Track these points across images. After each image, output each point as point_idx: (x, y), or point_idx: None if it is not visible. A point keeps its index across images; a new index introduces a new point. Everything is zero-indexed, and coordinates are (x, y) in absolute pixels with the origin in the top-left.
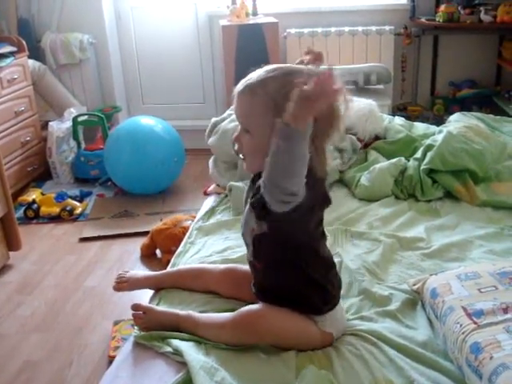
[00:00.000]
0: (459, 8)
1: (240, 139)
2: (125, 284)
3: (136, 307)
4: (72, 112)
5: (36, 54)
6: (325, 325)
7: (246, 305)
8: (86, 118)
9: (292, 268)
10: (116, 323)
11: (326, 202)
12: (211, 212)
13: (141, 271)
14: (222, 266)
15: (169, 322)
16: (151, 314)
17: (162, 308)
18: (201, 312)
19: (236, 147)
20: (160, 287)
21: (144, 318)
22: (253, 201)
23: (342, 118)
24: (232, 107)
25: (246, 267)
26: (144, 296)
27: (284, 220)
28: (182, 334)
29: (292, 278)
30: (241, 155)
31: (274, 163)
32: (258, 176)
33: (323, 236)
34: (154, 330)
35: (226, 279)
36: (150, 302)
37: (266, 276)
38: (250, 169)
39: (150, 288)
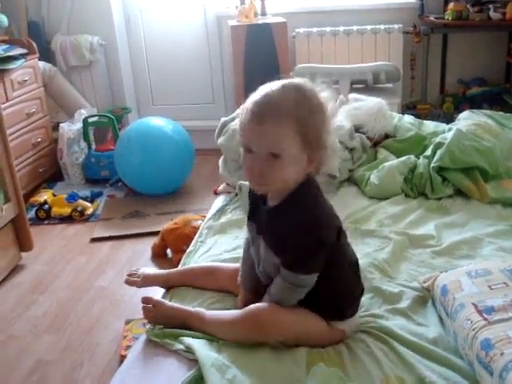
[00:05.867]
0: (468, 6)
1: (264, 166)
2: (136, 279)
3: (146, 300)
4: (82, 113)
5: (46, 55)
6: (337, 323)
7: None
8: (96, 119)
9: (329, 278)
10: (127, 322)
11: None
12: (221, 211)
13: (152, 269)
14: (235, 264)
15: (177, 317)
16: (160, 307)
17: (171, 303)
18: (212, 310)
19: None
20: (171, 285)
21: (153, 312)
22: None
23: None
24: (242, 107)
25: None
26: (155, 294)
27: None
28: (194, 332)
29: (330, 289)
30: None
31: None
32: (260, 198)
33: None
34: (162, 325)
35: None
36: None
37: None
38: (265, 191)
39: (160, 286)
